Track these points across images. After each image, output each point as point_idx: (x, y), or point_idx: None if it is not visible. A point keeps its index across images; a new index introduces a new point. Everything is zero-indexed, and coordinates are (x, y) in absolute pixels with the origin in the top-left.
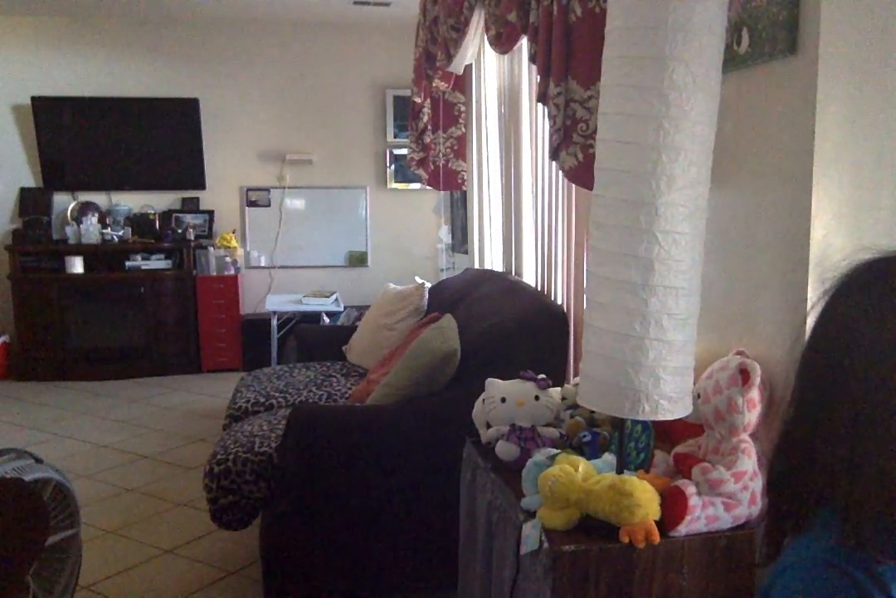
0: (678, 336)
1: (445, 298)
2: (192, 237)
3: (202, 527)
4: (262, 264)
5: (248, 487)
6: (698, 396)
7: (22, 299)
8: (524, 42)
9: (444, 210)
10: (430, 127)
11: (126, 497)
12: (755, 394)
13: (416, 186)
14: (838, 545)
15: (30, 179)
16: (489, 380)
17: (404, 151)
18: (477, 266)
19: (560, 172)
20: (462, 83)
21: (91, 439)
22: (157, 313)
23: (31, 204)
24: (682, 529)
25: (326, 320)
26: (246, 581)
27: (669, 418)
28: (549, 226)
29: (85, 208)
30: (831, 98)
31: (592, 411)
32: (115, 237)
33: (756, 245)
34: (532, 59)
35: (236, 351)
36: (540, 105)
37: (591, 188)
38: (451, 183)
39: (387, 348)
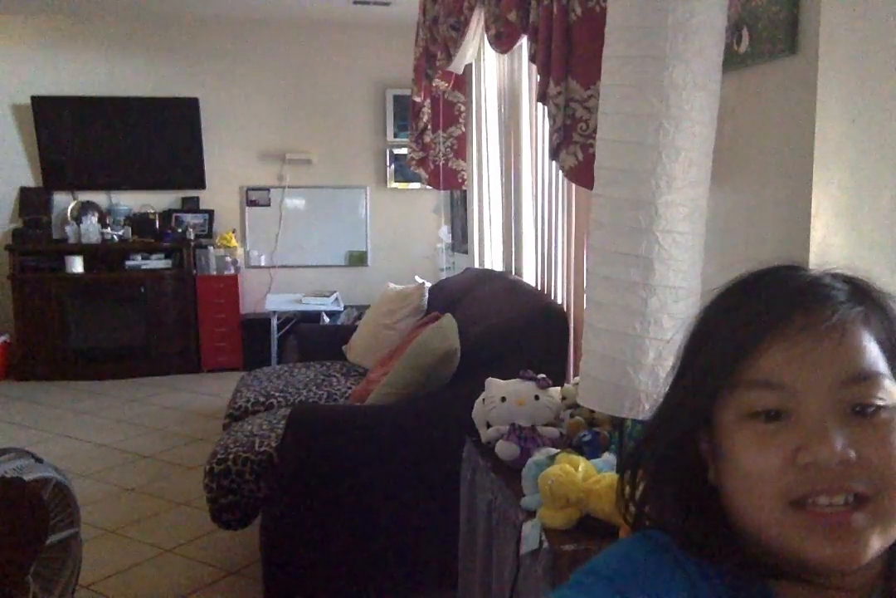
0: (678, 336)
1: (445, 297)
2: (192, 237)
3: (202, 527)
4: (262, 264)
5: (248, 486)
6: None
7: (22, 299)
8: (524, 42)
9: (444, 210)
10: (429, 126)
11: (126, 497)
12: None
13: (416, 185)
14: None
15: (30, 179)
16: (489, 379)
17: (404, 151)
18: (477, 266)
19: (560, 172)
20: (462, 83)
21: (91, 438)
22: (157, 313)
23: (31, 204)
24: None
25: (326, 319)
26: (246, 581)
27: None
28: (549, 226)
29: (85, 208)
30: (831, 98)
31: (592, 411)
32: (115, 237)
33: (756, 245)
34: (532, 58)
35: (236, 351)
36: (540, 105)
37: (591, 188)
38: (451, 182)
39: (387, 347)
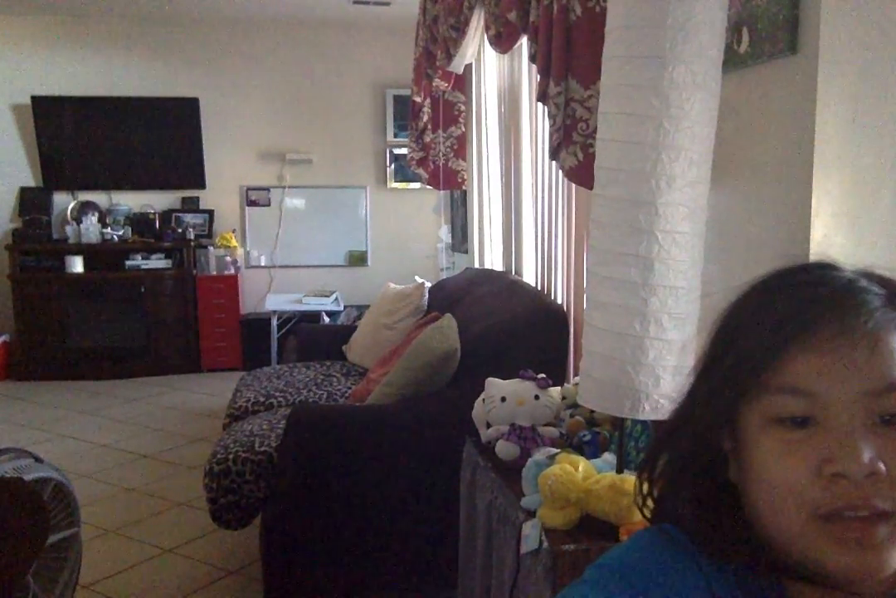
0: (678, 336)
1: (445, 297)
2: (192, 237)
3: (202, 527)
4: (262, 264)
5: (248, 486)
6: None
7: (22, 299)
8: (524, 41)
9: (444, 210)
10: (429, 126)
11: (126, 497)
12: None
13: (416, 185)
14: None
15: (30, 179)
16: (489, 379)
17: (404, 151)
18: (477, 266)
19: (560, 172)
20: (462, 83)
21: (91, 438)
22: (157, 313)
23: (31, 204)
24: None
25: (326, 319)
26: (246, 581)
27: None
28: (549, 226)
29: (85, 208)
30: (831, 98)
31: (592, 411)
32: (115, 237)
33: (756, 245)
34: (532, 58)
35: (236, 351)
36: (540, 105)
37: (591, 188)
38: (451, 182)
39: (387, 347)
